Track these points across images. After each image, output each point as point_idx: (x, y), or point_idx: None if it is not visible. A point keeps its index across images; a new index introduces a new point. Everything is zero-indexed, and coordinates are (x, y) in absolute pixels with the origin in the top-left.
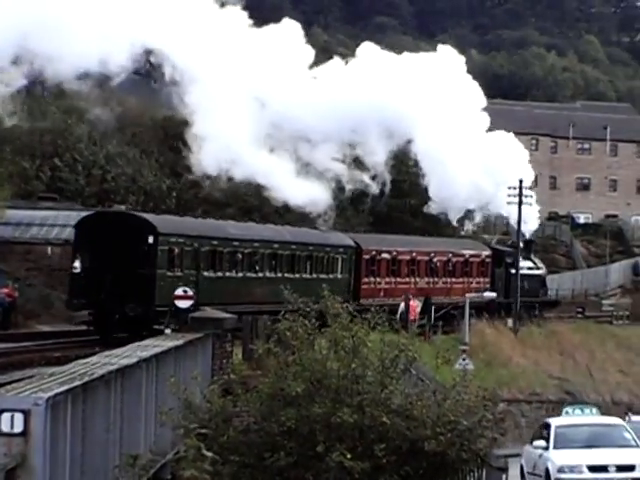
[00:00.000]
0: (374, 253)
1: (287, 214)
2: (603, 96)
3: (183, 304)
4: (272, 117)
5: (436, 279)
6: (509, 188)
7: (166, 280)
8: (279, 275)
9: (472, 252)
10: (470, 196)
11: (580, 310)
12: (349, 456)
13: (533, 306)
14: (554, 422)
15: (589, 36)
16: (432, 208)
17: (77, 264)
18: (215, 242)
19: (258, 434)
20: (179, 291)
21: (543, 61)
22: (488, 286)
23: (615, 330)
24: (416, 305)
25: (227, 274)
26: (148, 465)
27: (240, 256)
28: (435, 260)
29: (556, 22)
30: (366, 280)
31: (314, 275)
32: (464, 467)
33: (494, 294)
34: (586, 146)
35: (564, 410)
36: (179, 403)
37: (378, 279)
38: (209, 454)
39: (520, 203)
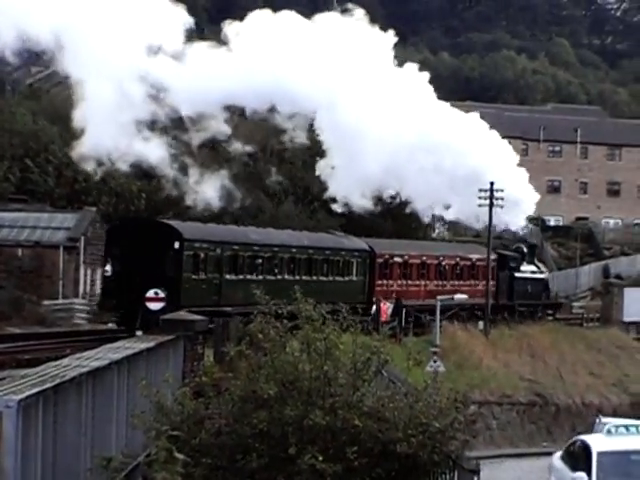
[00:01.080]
0: (387, 257)
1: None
2: (574, 99)
3: (154, 306)
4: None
5: (444, 282)
6: (480, 190)
7: (191, 283)
8: (297, 278)
9: (478, 256)
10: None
11: (551, 312)
12: (321, 458)
13: (536, 309)
14: (595, 446)
15: (560, 39)
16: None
17: (108, 268)
18: (236, 247)
19: (230, 436)
20: (150, 293)
21: (514, 64)
22: (494, 289)
23: (585, 332)
24: (387, 307)
25: (248, 277)
26: (120, 467)
27: (260, 260)
28: (444, 264)
29: (527, 25)
30: (379, 282)
31: (330, 278)
32: (436, 469)
33: (465, 296)
34: (557, 149)
35: (605, 428)
36: (151, 405)
37: (391, 281)
38: (180, 456)
39: (491, 205)
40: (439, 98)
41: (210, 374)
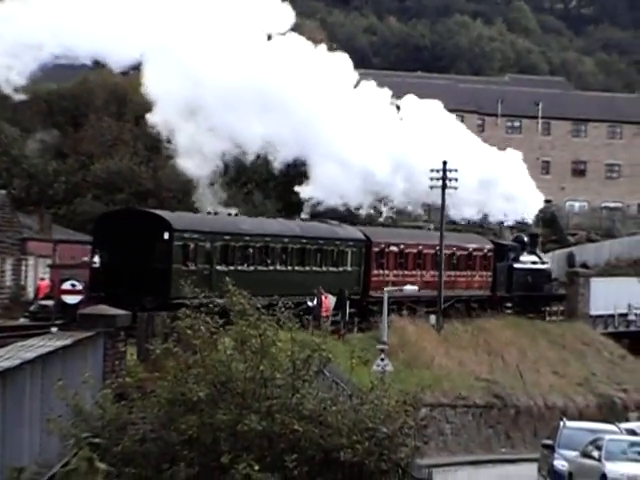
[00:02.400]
0: (383, 246)
1: (186, 198)
2: (535, 69)
3: (71, 299)
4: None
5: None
6: (431, 171)
7: (181, 274)
8: (289, 268)
9: (475, 246)
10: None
11: (509, 305)
12: (257, 467)
13: (537, 301)
14: None
15: (519, 3)
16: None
17: (96, 259)
18: (227, 237)
19: (156, 443)
20: (67, 285)
21: (468, 30)
22: (490, 280)
23: (548, 327)
24: (329, 300)
25: (239, 268)
26: (33, 479)
27: (251, 250)
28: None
29: None
30: (375, 272)
31: (324, 268)
32: (384, 478)
33: (415, 288)
34: (516, 124)
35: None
36: (68, 409)
37: (387, 271)
38: (103, 466)
39: (444, 187)
40: (386, 68)
41: (134, 374)
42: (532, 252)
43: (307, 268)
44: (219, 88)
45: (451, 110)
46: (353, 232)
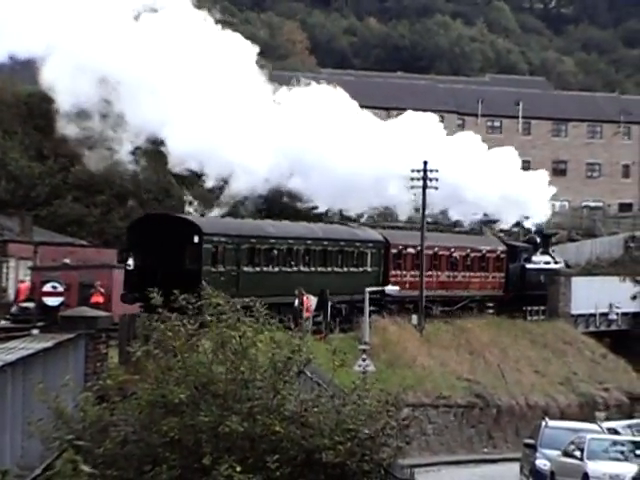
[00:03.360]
0: (400, 247)
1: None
2: (515, 69)
3: (52, 301)
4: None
5: (456, 273)
6: (412, 171)
7: (210, 275)
8: (312, 269)
9: (489, 247)
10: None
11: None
12: (239, 469)
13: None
14: None
15: (499, 3)
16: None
17: (130, 262)
18: (253, 240)
19: (137, 445)
20: (47, 287)
21: (449, 30)
22: (503, 280)
23: (529, 326)
24: (310, 301)
25: (265, 269)
26: None
27: (276, 252)
28: (455, 255)
29: None
30: (393, 273)
31: (345, 269)
32: (366, 479)
33: (396, 288)
34: (496, 124)
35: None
36: (49, 412)
37: (404, 272)
38: (87, 469)
39: (424, 187)
40: (366, 68)
41: (115, 377)
42: (545, 252)
43: (329, 269)
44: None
45: (431, 110)
46: (372, 234)
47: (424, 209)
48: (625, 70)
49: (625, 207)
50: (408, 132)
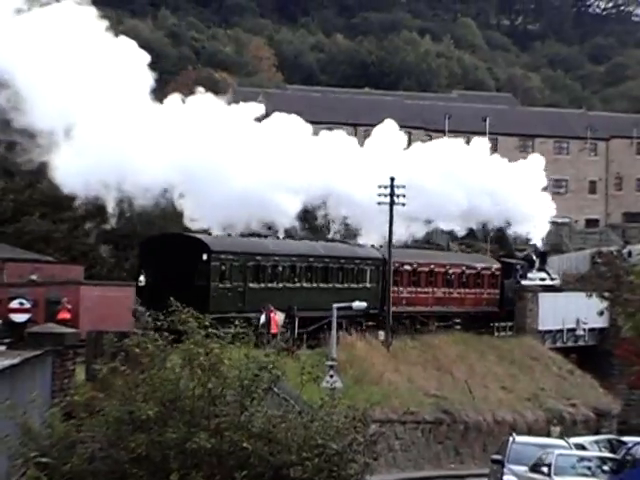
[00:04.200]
0: (397, 265)
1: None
2: (482, 85)
3: (19, 318)
4: None
5: (451, 289)
6: (379, 187)
7: (218, 291)
8: (314, 285)
9: (484, 265)
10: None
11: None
12: None
13: None
14: None
15: (466, 19)
16: None
17: (142, 278)
18: (259, 257)
19: (105, 462)
20: (14, 303)
21: (416, 47)
22: (498, 297)
23: (497, 342)
24: (278, 317)
25: (269, 285)
26: None
27: (280, 269)
28: (451, 272)
29: (430, 4)
30: (391, 289)
31: (345, 285)
32: None
33: (364, 304)
34: (463, 140)
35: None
36: (16, 429)
37: (401, 288)
38: None
39: (392, 203)
40: (333, 85)
41: (82, 393)
42: (541, 269)
43: (330, 285)
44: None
45: (399, 126)
46: (371, 252)
47: (391, 225)
48: (591, 86)
49: (592, 223)
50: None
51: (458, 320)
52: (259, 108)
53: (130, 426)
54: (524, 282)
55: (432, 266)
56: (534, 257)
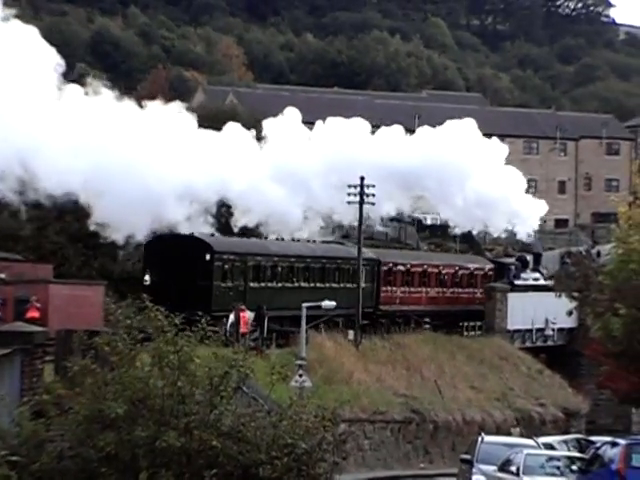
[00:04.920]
0: (391, 265)
1: None
2: (451, 85)
3: None
4: None
5: (444, 289)
6: (349, 187)
7: (220, 290)
8: (312, 285)
9: (477, 265)
10: None
11: (427, 320)
12: None
13: None
14: None
15: (436, 19)
16: None
17: (147, 277)
18: (259, 258)
19: (74, 460)
20: None
21: (386, 46)
22: None
23: (466, 342)
24: (247, 316)
25: (269, 284)
26: None
27: (279, 269)
28: (444, 272)
29: (400, 3)
30: (384, 289)
31: (341, 284)
32: None
33: (333, 303)
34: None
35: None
36: None
37: (394, 288)
38: None
39: (361, 203)
40: (303, 84)
41: (51, 391)
42: (535, 270)
43: (327, 285)
44: None
45: (370, 126)
46: (366, 252)
47: (360, 224)
48: (561, 86)
49: (561, 223)
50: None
51: (451, 319)
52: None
53: (99, 424)
54: (517, 282)
55: (425, 267)
56: (527, 258)
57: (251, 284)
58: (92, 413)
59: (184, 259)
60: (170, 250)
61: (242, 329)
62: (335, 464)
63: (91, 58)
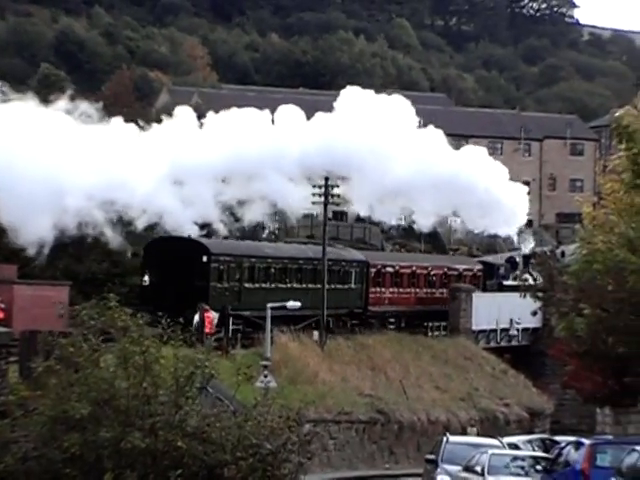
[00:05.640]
0: (380, 267)
1: None
2: (416, 85)
3: None
4: None
5: (433, 290)
6: (314, 187)
7: (217, 290)
8: (304, 285)
9: (465, 266)
10: None
11: (393, 320)
12: None
13: None
14: None
15: (400, 19)
16: None
17: (146, 278)
18: (253, 259)
19: (38, 461)
20: None
21: (350, 47)
22: None
23: (431, 342)
24: (212, 316)
25: (263, 285)
26: None
27: (273, 271)
28: (432, 273)
29: (364, 4)
30: (373, 290)
31: (332, 285)
32: None
33: (298, 304)
34: None
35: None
36: None
37: (383, 289)
38: None
39: (326, 204)
40: (268, 84)
41: (16, 392)
42: (526, 271)
43: (319, 285)
44: None
45: None
46: (356, 255)
47: (325, 224)
48: (525, 87)
49: (525, 223)
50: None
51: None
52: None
53: (64, 425)
54: (506, 282)
55: (414, 268)
56: (517, 259)
57: (246, 284)
58: (57, 414)
59: (182, 260)
60: (168, 252)
61: (207, 329)
62: (300, 464)
63: (55, 58)
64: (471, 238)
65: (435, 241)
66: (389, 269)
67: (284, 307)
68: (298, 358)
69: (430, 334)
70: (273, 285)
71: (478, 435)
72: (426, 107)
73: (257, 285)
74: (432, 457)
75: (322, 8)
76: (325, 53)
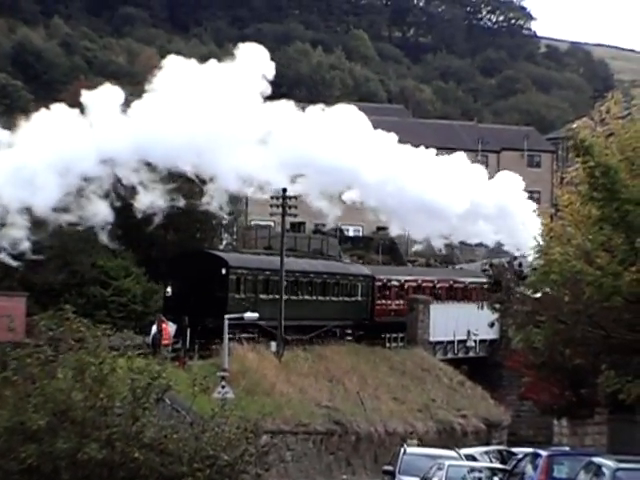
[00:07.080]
0: (385, 280)
1: None
2: (374, 96)
3: None
4: None
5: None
6: (271, 198)
7: (235, 301)
8: (314, 298)
9: (471, 279)
10: None
11: (351, 332)
12: None
13: None
14: None
15: (358, 31)
16: None
17: (169, 289)
18: (268, 272)
19: None
20: None
21: (308, 58)
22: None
23: (388, 353)
24: (170, 328)
25: (276, 297)
26: None
27: (286, 283)
28: (438, 286)
29: (322, 15)
30: (379, 302)
31: (340, 298)
32: None
33: (256, 315)
34: None
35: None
36: None
37: (389, 301)
38: None
39: (284, 215)
40: None
41: None
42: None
43: (327, 298)
44: None
45: None
46: (361, 269)
47: (283, 235)
48: (483, 99)
49: None
50: None
51: None
52: None
53: (21, 436)
54: None
55: (419, 281)
56: (524, 271)
57: (261, 296)
58: (13, 425)
59: (203, 273)
60: (190, 265)
61: (164, 340)
62: (257, 476)
63: (12, 68)
64: (428, 250)
65: (393, 252)
66: (394, 282)
67: (298, 318)
68: (256, 369)
69: (388, 345)
70: (286, 297)
71: (419, 446)
72: (383, 118)
73: (271, 296)
74: (390, 468)
75: (280, 19)
76: (283, 65)
